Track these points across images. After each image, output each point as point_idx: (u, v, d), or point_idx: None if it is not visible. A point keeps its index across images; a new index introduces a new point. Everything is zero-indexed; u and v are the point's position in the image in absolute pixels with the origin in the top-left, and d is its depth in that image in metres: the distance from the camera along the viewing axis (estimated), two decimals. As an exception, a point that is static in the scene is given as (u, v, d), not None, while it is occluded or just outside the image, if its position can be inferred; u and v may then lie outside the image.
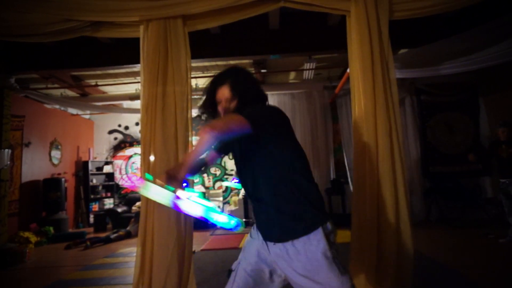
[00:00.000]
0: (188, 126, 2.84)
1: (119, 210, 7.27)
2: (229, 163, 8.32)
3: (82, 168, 7.86)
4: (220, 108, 1.51)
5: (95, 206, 7.87)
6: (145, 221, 2.70)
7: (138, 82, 5.61)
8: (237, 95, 1.46)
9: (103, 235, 6.09)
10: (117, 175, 8.43)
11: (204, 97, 1.56)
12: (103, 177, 8.25)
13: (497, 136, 4.71)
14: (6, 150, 4.86)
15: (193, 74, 5.93)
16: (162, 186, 1.18)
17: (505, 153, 4.47)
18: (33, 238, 5.50)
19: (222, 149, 1.67)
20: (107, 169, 8.24)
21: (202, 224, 6.76)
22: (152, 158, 2.74)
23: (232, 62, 5.68)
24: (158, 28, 2.86)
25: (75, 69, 5.32)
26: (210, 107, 1.54)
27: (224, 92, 1.48)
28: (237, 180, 1.28)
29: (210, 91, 1.53)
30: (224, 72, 1.54)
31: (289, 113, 7.08)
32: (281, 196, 1.35)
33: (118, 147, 8.57)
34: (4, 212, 4.86)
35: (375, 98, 2.63)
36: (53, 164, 7.04)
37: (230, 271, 1.49)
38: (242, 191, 7.39)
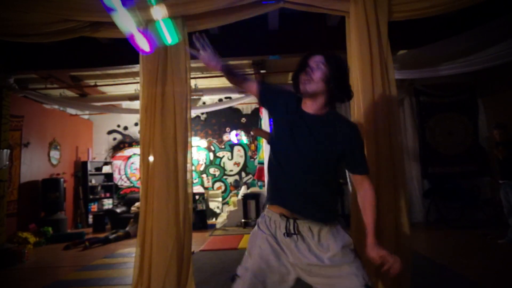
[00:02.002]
0: (187, 127, 2.84)
1: (118, 210, 7.27)
2: (228, 164, 8.33)
3: (81, 169, 7.85)
4: (305, 76, 1.46)
5: (94, 207, 7.86)
6: (144, 222, 2.70)
7: (137, 83, 5.61)
8: (330, 72, 1.43)
9: (102, 235, 6.08)
10: (116, 176, 8.42)
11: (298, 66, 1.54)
12: (102, 177, 8.23)
13: (493, 138, 4.74)
14: (5, 150, 4.86)
15: (192, 74, 5.93)
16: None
17: (501, 155, 4.49)
18: (32, 239, 5.49)
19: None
20: (106, 169, 8.23)
21: (201, 224, 6.81)
22: (151, 158, 2.74)
23: (231, 62, 5.68)
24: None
25: (74, 69, 5.32)
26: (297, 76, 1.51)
27: (316, 60, 1.46)
28: None
29: (305, 56, 1.51)
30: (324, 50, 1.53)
31: (289, 114, 7.07)
32: None
33: (117, 148, 8.56)
34: (3, 213, 4.85)
35: (374, 99, 2.63)
36: (52, 165, 7.03)
37: (234, 276, 1.46)
38: (241, 192, 7.39)
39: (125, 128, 8.58)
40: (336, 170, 1.50)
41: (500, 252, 4.21)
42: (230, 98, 7.56)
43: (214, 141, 8.40)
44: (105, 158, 8.47)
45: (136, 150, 8.34)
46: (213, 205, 8.09)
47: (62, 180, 6.77)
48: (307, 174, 1.42)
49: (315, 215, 1.42)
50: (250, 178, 8.22)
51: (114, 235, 5.91)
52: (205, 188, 8.21)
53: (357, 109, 2.72)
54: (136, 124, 8.44)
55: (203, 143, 8.37)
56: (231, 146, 8.37)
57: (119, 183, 8.42)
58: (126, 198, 7.94)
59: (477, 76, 6.28)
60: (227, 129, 8.41)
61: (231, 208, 7.42)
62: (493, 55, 3.60)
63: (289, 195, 1.43)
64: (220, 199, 8.17)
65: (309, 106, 1.49)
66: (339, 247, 1.39)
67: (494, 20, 3.31)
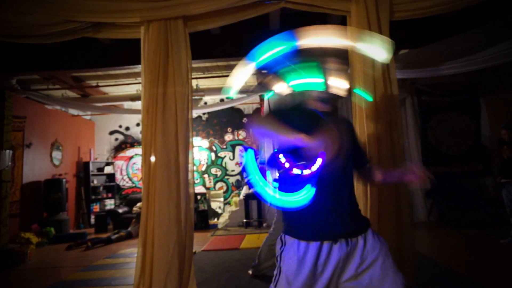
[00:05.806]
0: (188, 127, 2.84)
1: (120, 210, 7.28)
2: (230, 164, 8.33)
3: (83, 169, 7.87)
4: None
5: (96, 207, 7.88)
6: (146, 222, 2.71)
7: (139, 83, 5.62)
8: None
9: (104, 235, 6.09)
10: (118, 176, 8.44)
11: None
12: (104, 177, 8.26)
13: (499, 136, 4.72)
14: (8, 151, 4.88)
15: (194, 75, 5.94)
16: None
17: (506, 154, 4.48)
18: (34, 239, 5.51)
19: None
20: (108, 169, 8.25)
21: (203, 225, 6.81)
22: (153, 158, 2.75)
23: (232, 62, 5.68)
24: (159, 29, 2.87)
25: (76, 70, 5.33)
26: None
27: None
28: None
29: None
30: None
31: (290, 114, 7.08)
32: None
33: (119, 148, 8.58)
34: (6, 213, 4.87)
35: (376, 99, 2.63)
36: (54, 165, 7.05)
37: None
38: (243, 192, 7.38)
39: (127, 128, 8.60)
40: None
41: (503, 252, 4.20)
42: (231, 98, 7.56)
43: (216, 141, 8.41)
44: (107, 159, 8.49)
45: (138, 150, 8.35)
46: (215, 205, 8.09)
47: (64, 180, 6.78)
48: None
49: None
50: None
51: (116, 236, 5.92)
52: (207, 188, 8.22)
53: (358, 109, 2.72)
54: (137, 125, 8.46)
55: (205, 143, 8.38)
56: (233, 146, 8.38)
57: (121, 184, 8.44)
58: (128, 198, 7.95)
59: (479, 76, 6.26)
60: (229, 129, 8.42)
61: (233, 208, 7.42)
62: (495, 54, 3.59)
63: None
64: (222, 199, 8.17)
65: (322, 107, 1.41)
66: None
67: (496, 19, 3.31)
